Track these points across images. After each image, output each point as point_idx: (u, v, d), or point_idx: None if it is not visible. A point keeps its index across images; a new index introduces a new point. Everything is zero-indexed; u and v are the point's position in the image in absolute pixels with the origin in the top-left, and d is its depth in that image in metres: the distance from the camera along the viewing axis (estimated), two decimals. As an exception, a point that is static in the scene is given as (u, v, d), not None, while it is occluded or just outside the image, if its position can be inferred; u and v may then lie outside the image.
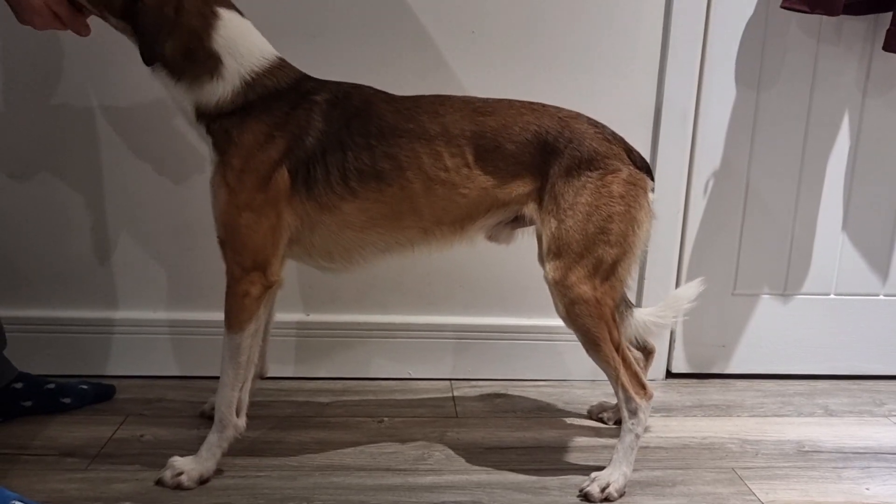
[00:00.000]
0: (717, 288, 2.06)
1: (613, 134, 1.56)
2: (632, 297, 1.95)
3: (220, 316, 1.52)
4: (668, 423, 1.87)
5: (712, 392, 2.06)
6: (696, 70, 1.94)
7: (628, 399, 1.55)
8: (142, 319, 1.98)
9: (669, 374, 2.14)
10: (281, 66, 1.50)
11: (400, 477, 1.58)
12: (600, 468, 1.56)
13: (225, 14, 1.45)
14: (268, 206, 1.46)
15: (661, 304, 1.74)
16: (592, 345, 1.53)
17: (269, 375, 1.80)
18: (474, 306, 2.05)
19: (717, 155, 2.01)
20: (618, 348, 1.54)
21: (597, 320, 1.51)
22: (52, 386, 1.79)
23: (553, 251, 1.51)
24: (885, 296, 2.14)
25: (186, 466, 1.51)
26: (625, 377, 1.54)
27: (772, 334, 2.13)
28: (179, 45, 1.42)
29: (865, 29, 1.96)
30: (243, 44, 1.46)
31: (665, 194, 1.96)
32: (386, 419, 1.84)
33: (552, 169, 1.51)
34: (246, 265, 1.48)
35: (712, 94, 1.97)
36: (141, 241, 1.95)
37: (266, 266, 1.49)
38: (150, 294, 1.98)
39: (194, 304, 1.98)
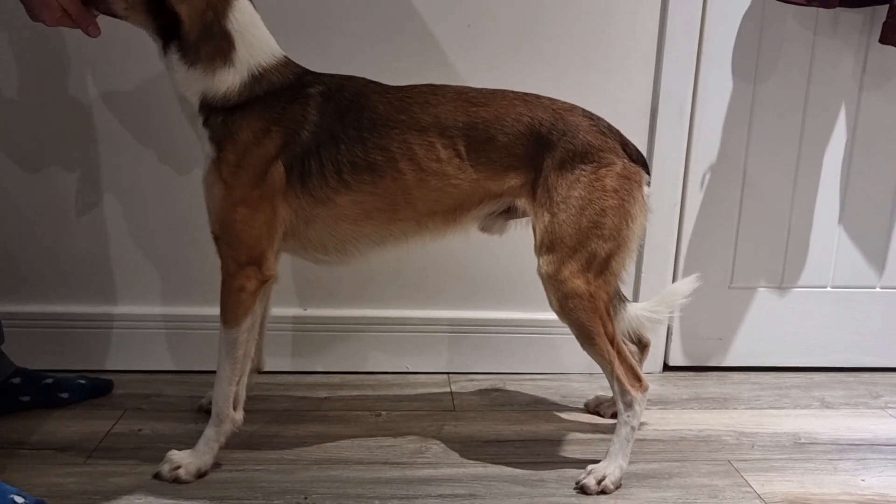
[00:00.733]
0: (714, 281, 2.06)
1: (609, 126, 1.55)
2: (628, 289, 1.95)
3: (217, 311, 1.52)
4: (664, 415, 1.88)
5: (709, 385, 2.06)
6: (692, 63, 1.94)
7: (624, 392, 1.55)
8: (140, 314, 1.98)
9: (666, 367, 2.14)
10: (287, 63, 1.49)
11: (397, 470, 1.59)
12: (597, 461, 1.57)
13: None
14: (263, 201, 1.46)
15: (655, 299, 1.74)
16: (587, 338, 1.54)
17: (266, 370, 1.80)
18: (471, 300, 2.05)
19: (713, 148, 2.01)
20: (612, 341, 1.54)
21: (591, 314, 1.51)
22: (49, 381, 1.79)
23: (546, 245, 1.51)
24: (881, 288, 2.14)
25: (184, 460, 1.52)
26: (620, 370, 1.54)
27: (769, 327, 2.13)
28: (197, 20, 1.39)
29: (862, 21, 1.96)
30: (254, 34, 1.46)
31: (662, 187, 1.96)
32: (383, 413, 1.84)
33: (545, 161, 1.50)
34: (241, 260, 1.48)
35: (709, 87, 1.97)
36: (139, 236, 1.95)
37: (261, 261, 1.49)
38: (147, 289, 1.98)
39: (192, 300, 1.98)
